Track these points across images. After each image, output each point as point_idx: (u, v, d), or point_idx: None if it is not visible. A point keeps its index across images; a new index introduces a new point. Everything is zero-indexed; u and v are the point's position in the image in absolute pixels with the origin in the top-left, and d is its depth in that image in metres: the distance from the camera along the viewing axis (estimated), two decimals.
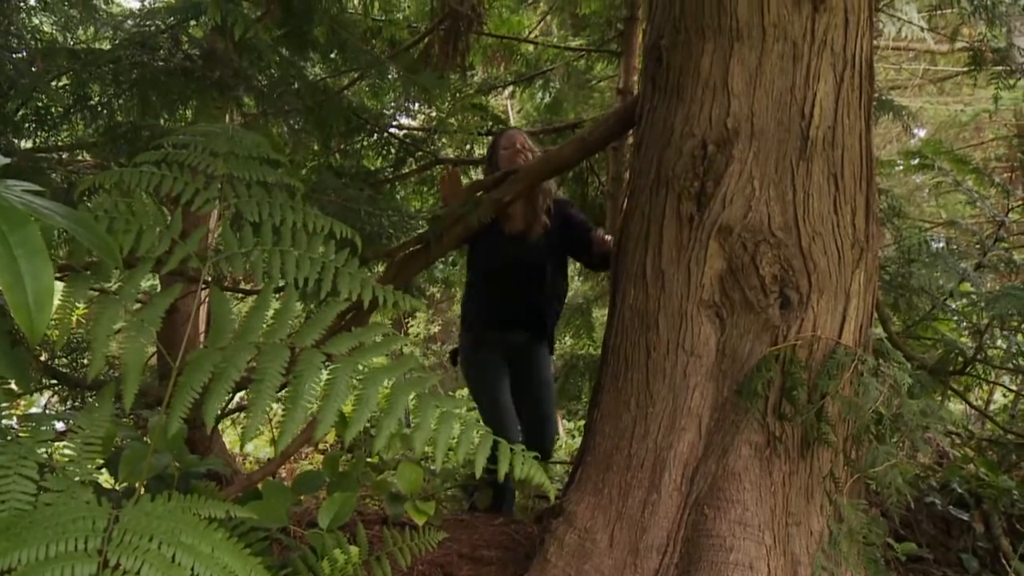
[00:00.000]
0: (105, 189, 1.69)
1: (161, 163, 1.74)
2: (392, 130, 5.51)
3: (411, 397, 1.42)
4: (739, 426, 2.49)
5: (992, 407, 6.08)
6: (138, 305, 1.56)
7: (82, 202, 1.64)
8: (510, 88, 7.48)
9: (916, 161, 4.71)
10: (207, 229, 1.70)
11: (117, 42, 3.64)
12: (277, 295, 1.69)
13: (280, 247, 1.65)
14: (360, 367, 1.40)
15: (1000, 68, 5.30)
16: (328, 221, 1.76)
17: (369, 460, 3.38)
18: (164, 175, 1.70)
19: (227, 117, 4.04)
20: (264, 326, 1.51)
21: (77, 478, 1.44)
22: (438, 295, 8.85)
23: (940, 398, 4.36)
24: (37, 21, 4.03)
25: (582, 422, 6.93)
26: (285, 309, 1.53)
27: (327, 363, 1.41)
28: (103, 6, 6.46)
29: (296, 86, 3.85)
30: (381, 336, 1.49)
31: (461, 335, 4.35)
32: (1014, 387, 5.25)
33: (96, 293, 1.53)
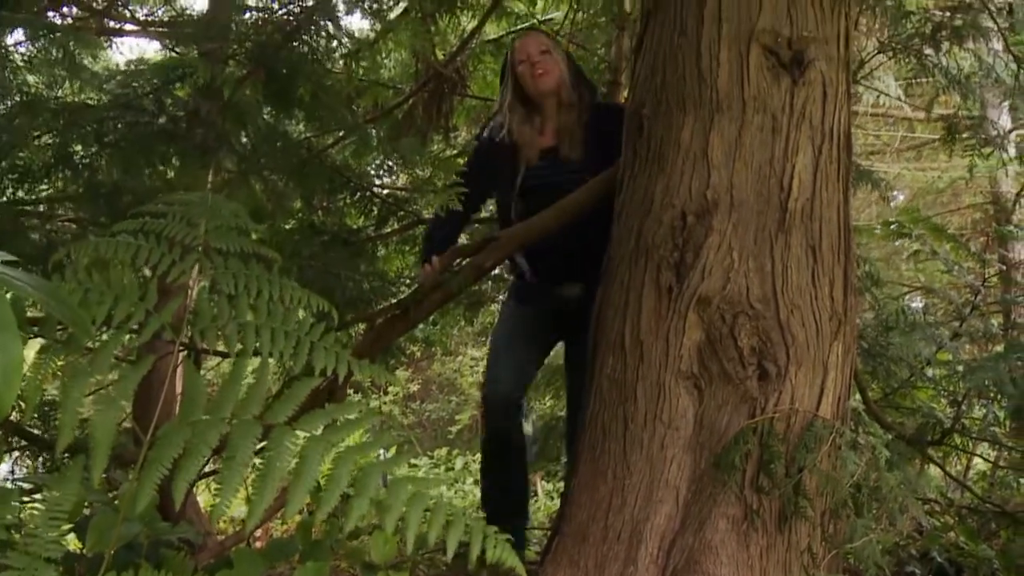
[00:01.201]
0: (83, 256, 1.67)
1: (138, 232, 1.74)
2: (375, 189, 5.52)
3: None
4: (716, 499, 2.48)
5: (972, 473, 6.08)
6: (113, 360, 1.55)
7: (57, 271, 1.63)
8: None
9: (894, 227, 4.77)
10: (183, 299, 1.69)
11: (102, 102, 3.66)
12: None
13: (255, 320, 1.65)
14: (332, 446, 1.39)
15: (975, 139, 5.39)
16: (305, 293, 1.75)
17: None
18: (140, 245, 1.69)
19: (209, 175, 4.04)
20: (237, 400, 1.49)
21: (41, 554, 1.40)
22: (418, 354, 8.82)
23: (920, 466, 4.37)
24: (21, 79, 4.05)
25: (561, 483, 6.88)
26: (258, 384, 1.51)
27: (299, 441, 1.40)
28: (89, 60, 6.50)
29: (280, 144, 3.86)
30: (356, 413, 1.48)
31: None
32: (992, 455, 5.26)
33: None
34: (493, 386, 3.54)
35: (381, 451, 1.56)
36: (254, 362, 1.66)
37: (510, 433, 3.56)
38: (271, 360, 1.63)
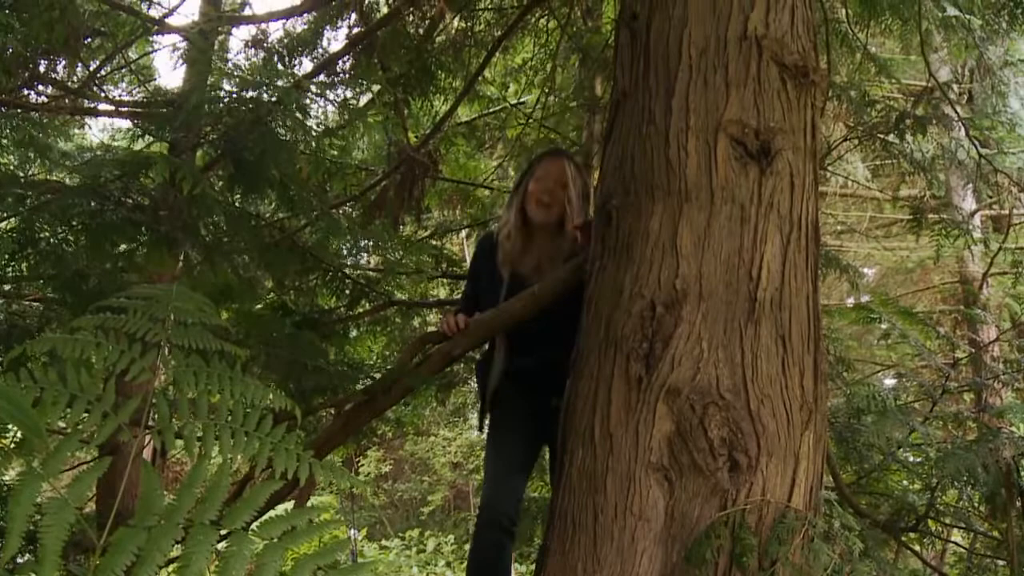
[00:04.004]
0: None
1: (98, 329, 1.71)
2: (347, 270, 5.51)
3: None
4: None
5: (949, 555, 6.05)
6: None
7: (12, 369, 1.59)
8: (466, 231, 7.58)
9: (864, 312, 4.81)
10: (144, 397, 1.65)
11: (71, 183, 3.64)
12: None
13: (215, 420, 1.61)
14: (290, 553, 1.35)
15: (941, 221, 5.48)
16: (267, 392, 1.72)
17: None
18: (100, 343, 1.66)
19: (179, 259, 4.02)
20: (194, 504, 1.45)
21: None
22: (390, 434, 8.75)
23: (895, 553, 4.34)
24: None
25: (534, 565, 6.79)
26: (217, 487, 1.47)
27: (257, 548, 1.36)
28: (60, 139, 6.49)
29: (252, 224, 3.84)
30: (316, 519, 1.44)
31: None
32: (967, 538, 5.23)
33: None
34: (490, 511, 3.42)
35: (351, 535, 1.52)
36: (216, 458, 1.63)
37: (500, 558, 3.45)
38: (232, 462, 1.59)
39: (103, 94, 6.60)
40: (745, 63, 2.86)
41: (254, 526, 1.42)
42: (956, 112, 4.80)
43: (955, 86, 6.14)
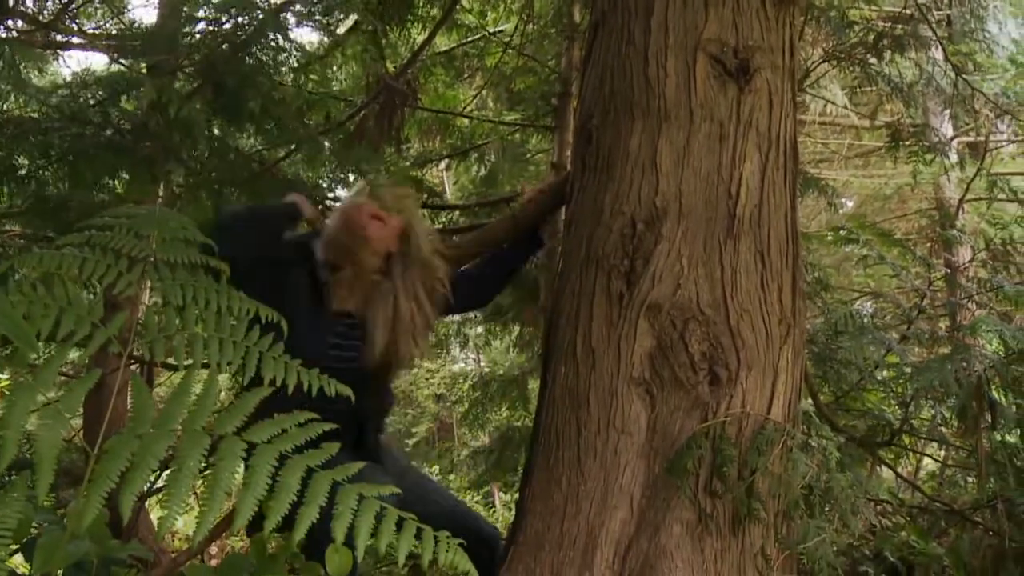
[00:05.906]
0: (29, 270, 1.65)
1: (85, 245, 1.72)
2: (328, 201, 5.50)
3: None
4: (670, 503, 2.49)
5: (922, 472, 6.18)
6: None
7: (0, 284, 1.61)
8: (446, 161, 7.55)
9: (843, 233, 4.85)
10: (131, 312, 1.67)
11: (47, 114, 3.60)
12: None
13: (203, 331, 1.63)
14: (281, 454, 1.38)
15: (918, 145, 5.51)
16: (253, 304, 1.74)
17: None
18: (86, 258, 1.68)
19: (160, 188, 4.00)
20: (185, 412, 1.47)
21: None
22: None
23: (871, 468, 4.43)
24: None
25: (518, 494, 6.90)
26: (206, 395, 1.50)
27: (248, 451, 1.38)
28: (35, 74, 6.39)
29: (231, 157, 3.82)
30: (305, 423, 1.47)
31: None
32: (940, 455, 5.35)
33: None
34: None
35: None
36: (204, 374, 1.65)
37: None
38: (220, 371, 1.61)
39: (76, 27, 6.50)
40: None
41: None
42: (934, 31, 4.81)
43: (934, 12, 6.13)
